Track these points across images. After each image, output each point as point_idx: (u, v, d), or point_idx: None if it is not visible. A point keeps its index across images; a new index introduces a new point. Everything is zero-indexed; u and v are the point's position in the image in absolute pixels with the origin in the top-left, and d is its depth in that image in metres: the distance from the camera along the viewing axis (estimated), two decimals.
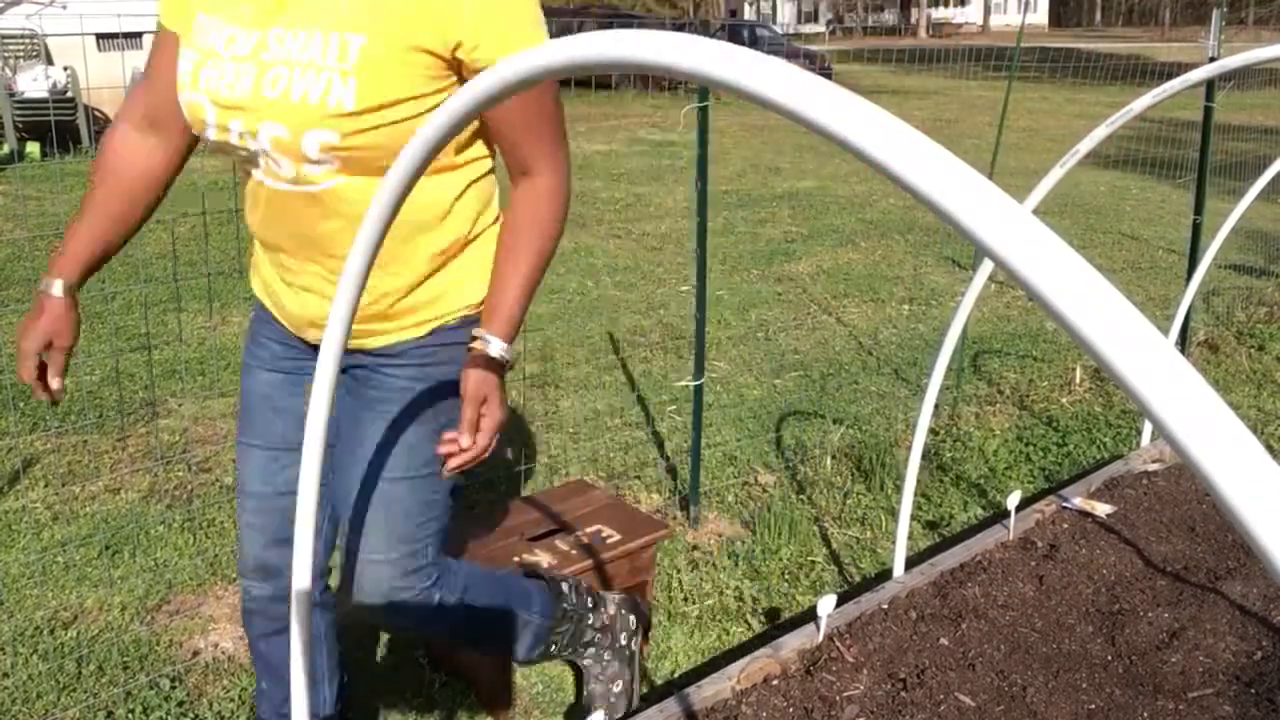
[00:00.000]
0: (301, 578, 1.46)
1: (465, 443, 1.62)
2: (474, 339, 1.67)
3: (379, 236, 1.20)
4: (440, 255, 1.69)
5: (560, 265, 6.94)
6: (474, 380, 1.64)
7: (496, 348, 1.66)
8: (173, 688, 2.64)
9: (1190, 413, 0.58)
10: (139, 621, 2.91)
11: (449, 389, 1.71)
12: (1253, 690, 2.46)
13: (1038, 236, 0.69)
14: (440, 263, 1.69)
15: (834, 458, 4.05)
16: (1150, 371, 0.60)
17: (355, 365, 1.76)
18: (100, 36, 11.87)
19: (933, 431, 4.35)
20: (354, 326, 1.51)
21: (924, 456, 4.06)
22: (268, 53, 1.51)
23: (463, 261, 1.73)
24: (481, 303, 1.73)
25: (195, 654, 2.79)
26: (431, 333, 1.72)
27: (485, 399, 1.64)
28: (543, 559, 2.57)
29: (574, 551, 2.62)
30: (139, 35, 12.31)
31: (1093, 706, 2.40)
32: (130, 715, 2.54)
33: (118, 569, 3.16)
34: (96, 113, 11.62)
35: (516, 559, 2.56)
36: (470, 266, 1.74)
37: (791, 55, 21.47)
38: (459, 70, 1.56)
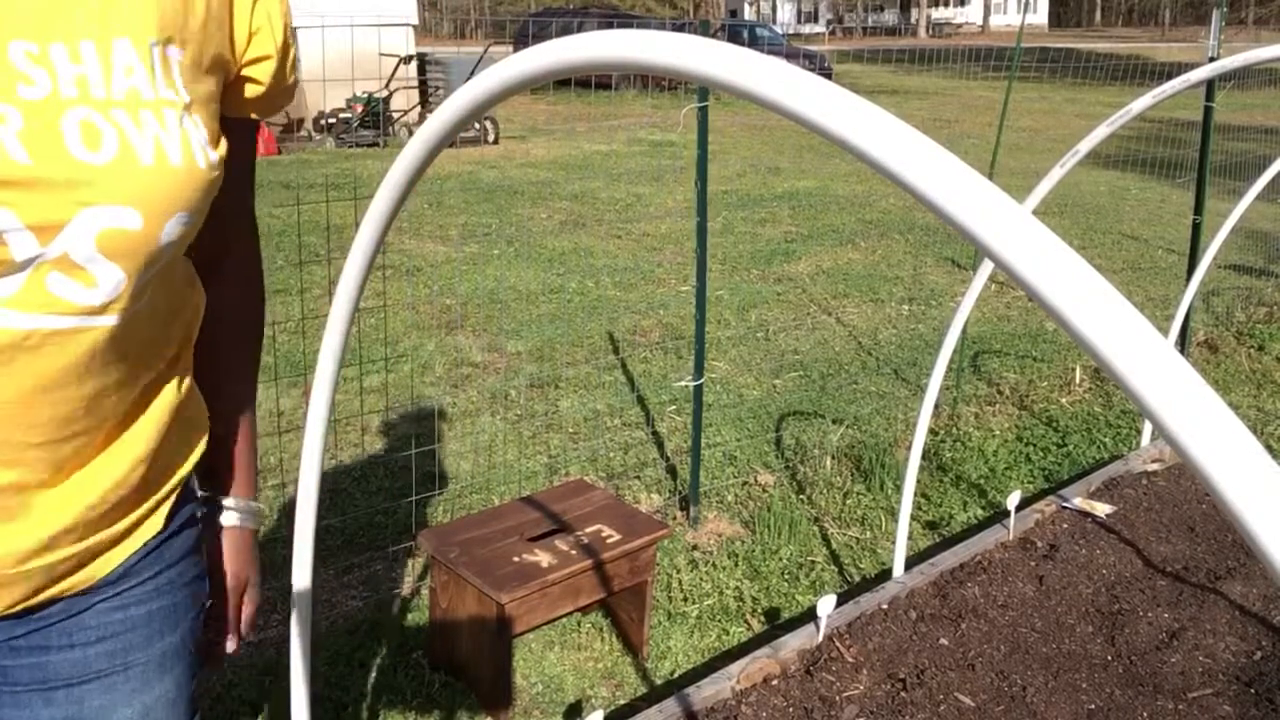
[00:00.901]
0: (301, 577, 1.46)
1: (231, 648, 1.22)
2: (216, 508, 1.17)
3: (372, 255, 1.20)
4: (181, 397, 1.07)
5: (560, 265, 6.95)
6: (232, 565, 1.19)
7: (250, 513, 1.20)
8: None
9: (1190, 413, 0.58)
10: None
11: (189, 591, 1.13)
12: (1253, 690, 2.46)
13: (1037, 237, 0.69)
14: (180, 406, 1.07)
15: (834, 458, 4.05)
16: (1150, 372, 0.60)
17: (32, 629, 1.00)
18: None
19: (932, 431, 4.35)
20: (59, 562, 0.97)
21: (924, 456, 4.06)
22: (60, 87, 0.82)
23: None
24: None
25: None
26: (171, 517, 1.09)
27: (246, 582, 1.22)
28: (542, 559, 2.57)
29: (574, 552, 2.62)
30: None
31: (1092, 706, 2.40)
32: None
33: None
34: None
35: (516, 559, 2.56)
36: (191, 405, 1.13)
37: (791, 56, 21.48)
38: (223, 91, 0.99)
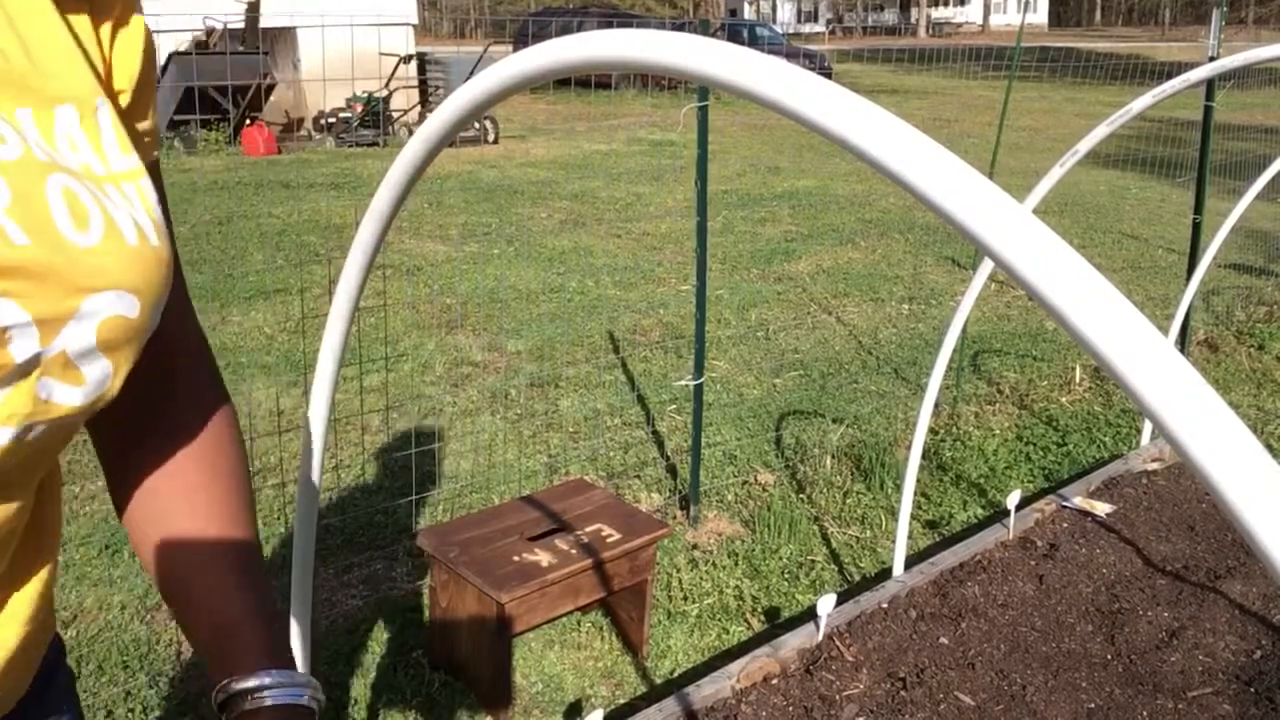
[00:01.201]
0: (302, 576, 1.46)
1: None
2: (250, 693, 0.80)
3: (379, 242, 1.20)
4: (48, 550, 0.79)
5: (560, 264, 6.95)
6: None
7: (302, 686, 0.82)
8: (172, 687, 2.64)
9: (1190, 412, 0.58)
10: (139, 620, 2.91)
11: None
12: (1252, 689, 2.46)
13: (1038, 236, 0.69)
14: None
15: (834, 457, 4.05)
16: (1150, 371, 0.60)
17: None
18: None
19: (932, 431, 4.35)
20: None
21: (924, 456, 4.06)
22: (32, 148, 0.67)
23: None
24: None
25: (194, 653, 2.79)
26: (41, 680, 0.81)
27: None
28: (542, 558, 2.57)
29: (574, 551, 2.62)
30: None
31: (1092, 706, 2.40)
32: (130, 714, 2.54)
33: (117, 568, 3.16)
34: None
35: (516, 558, 2.56)
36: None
37: (791, 55, 21.48)
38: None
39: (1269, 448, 4.27)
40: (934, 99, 19.69)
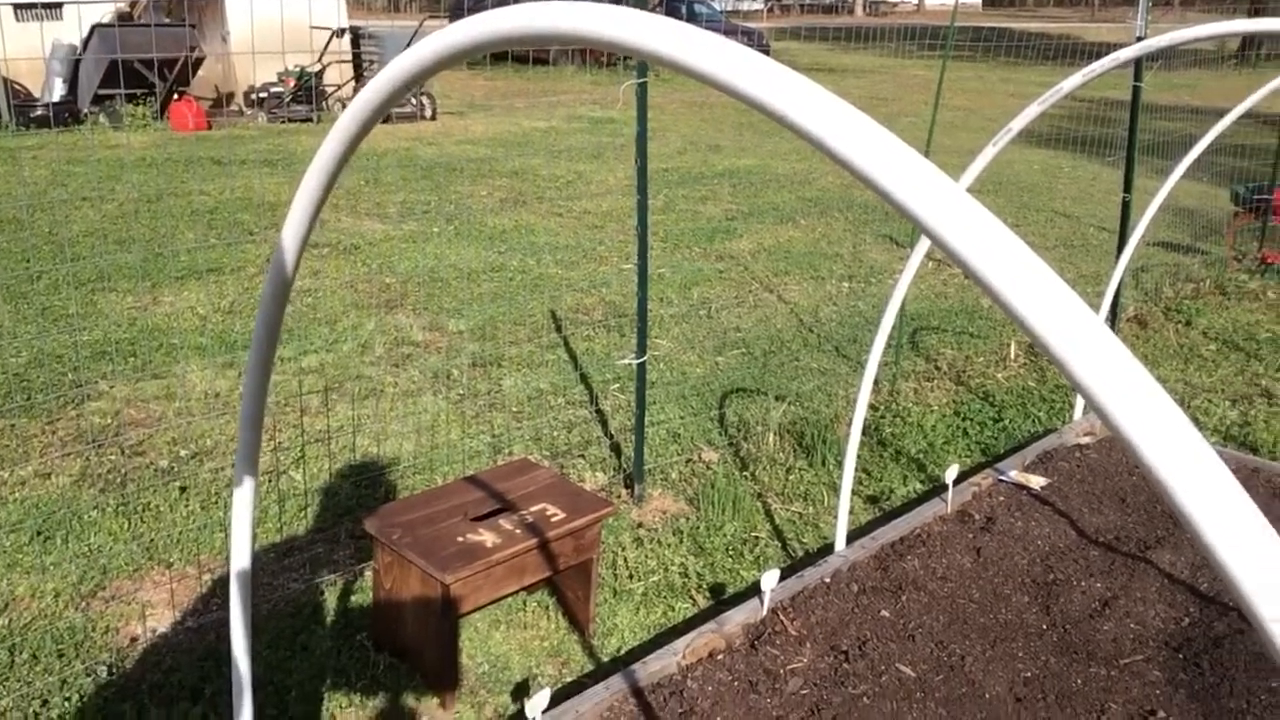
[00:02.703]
0: (240, 560, 1.43)
1: None
2: None
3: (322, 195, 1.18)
4: None
5: (501, 243, 6.89)
6: None
7: None
8: (110, 675, 2.59)
9: (1119, 388, 0.60)
10: (74, 608, 2.84)
11: None
12: (1180, 655, 2.54)
13: (973, 215, 0.69)
14: None
15: (776, 434, 4.08)
16: (1081, 347, 0.61)
17: None
18: (18, 7, 11.44)
19: (873, 407, 4.40)
20: None
21: (864, 432, 4.11)
22: None
23: None
24: None
25: (133, 640, 2.73)
26: None
27: None
28: (487, 538, 2.55)
29: (518, 531, 2.61)
30: (58, 6, 11.90)
31: (1029, 674, 2.46)
32: (67, 704, 2.48)
33: (50, 555, 3.08)
34: (16, 85, 11.22)
35: (460, 539, 2.54)
36: None
37: (729, 32, 21.45)
38: None
39: (1195, 421, 4.40)
40: (871, 78, 19.84)
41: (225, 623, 2.76)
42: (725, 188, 9.10)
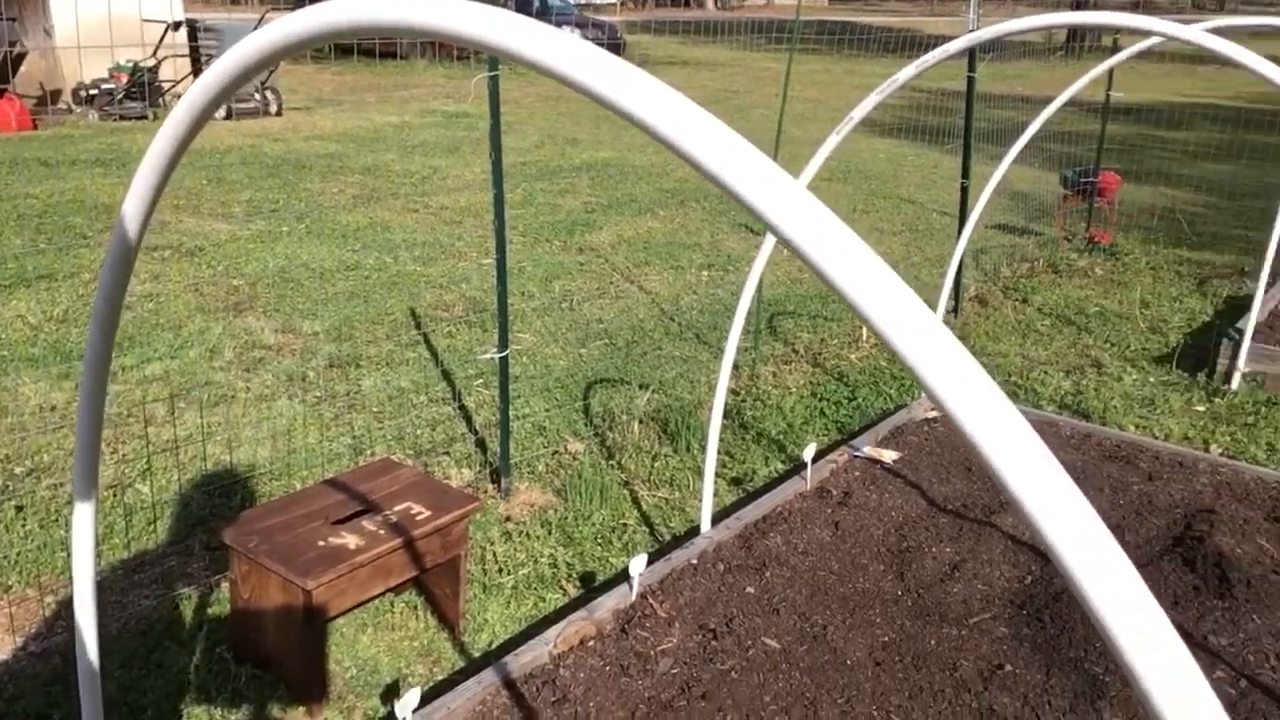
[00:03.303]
0: (83, 579, 1.37)
1: None
2: None
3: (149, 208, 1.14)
4: None
5: (355, 241, 6.73)
6: None
7: None
8: None
9: (946, 371, 0.64)
10: None
11: None
12: (1024, 612, 2.70)
13: (809, 208, 0.73)
14: None
15: (641, 422, 4.13)
16: (912, 334, 0.65)
17: None
18: None
19: (734, 392, 4.50)
20: None
21: (726, 416, 4.20)
22: None
23: None
24: None
25: None
26: None
27: None
28: (350, 541, 2.50)
29: (382, 531, 2.56)
30: None
31: (886, 639, 2.57)
32: None
33: None
34: None
35: (322, 543, 2.49)
36: None
37: (581, 25, 21.46)
38: None
39: (1033, 391, 4.66)
40: (723, 71, 20.19)
41: (71, 645, 2.62)
42: (584, 180, 9.12)
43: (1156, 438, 4.12)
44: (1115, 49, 6.47)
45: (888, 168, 10.37)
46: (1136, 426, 4.29)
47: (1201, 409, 4.51)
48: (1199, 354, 5.05)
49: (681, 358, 4.94)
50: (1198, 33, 2.41)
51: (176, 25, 11.86)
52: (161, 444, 3.75)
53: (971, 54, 5.52)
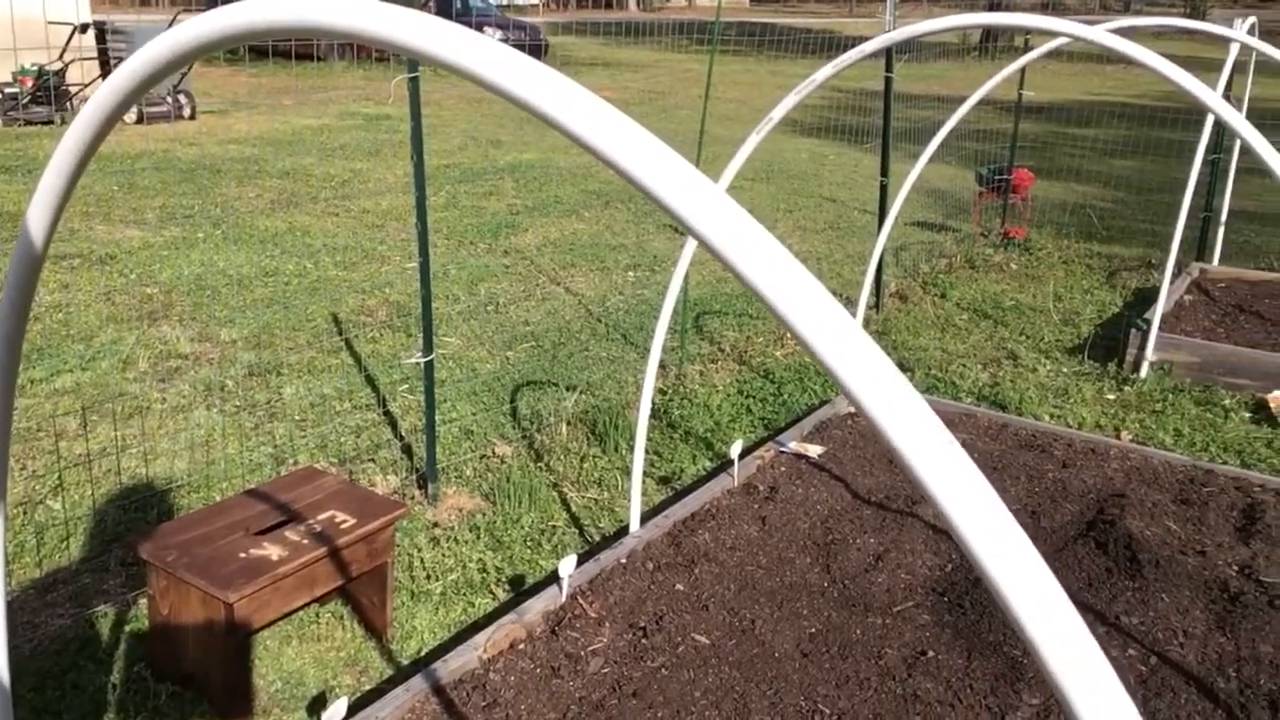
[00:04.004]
0: None
1: None
2: None
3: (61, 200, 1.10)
4: None
5: (274, 246, 6.61)
6: None
7: None
8: None
9: (864, 375, 0.66)
10: None
11: None
12: (945, 599, 2.76)
13: (730, 214, 0.74)
14: None
15: (569, 424, 4.12)
16: (823, 331, 0.67)
17: None
18: None
19: (661, 391, 4.52)
20: None
21: (654, 415, 4.22)
22: None
23: None
24: None
25: None
26: None
27: None
28: (272, 552, 2.46)
29: (305, 541, 2.52)
30: None
31: (813, 630, 2.60)
32: None
33: None
34: None
35: (243, 555, 2.44)
36: None
37: (503, 26, 21.33)
38: None
39: (953, 384, 4.76)
40: (647, 72, 20.25)
41: None
42: (508, 182, 9.07)
43: (1070, 426, 4.24)
44: (1027, 49, 6.65)
45: (810, 167, 10.51)
46: (1051, 416, 4.42)
47: (1112, 397, 4.65)
48: (1109, 344, 5.22)
49: (609, 358, 4.94)
50: (1102, 33, 2.49)
51: (84, 27, 11.51)
52: (74, 458, 3.63)
53: (889, 54, 5.63)
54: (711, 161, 7.17)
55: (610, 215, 7.99)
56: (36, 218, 1.14)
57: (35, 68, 11.04)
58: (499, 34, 19.24)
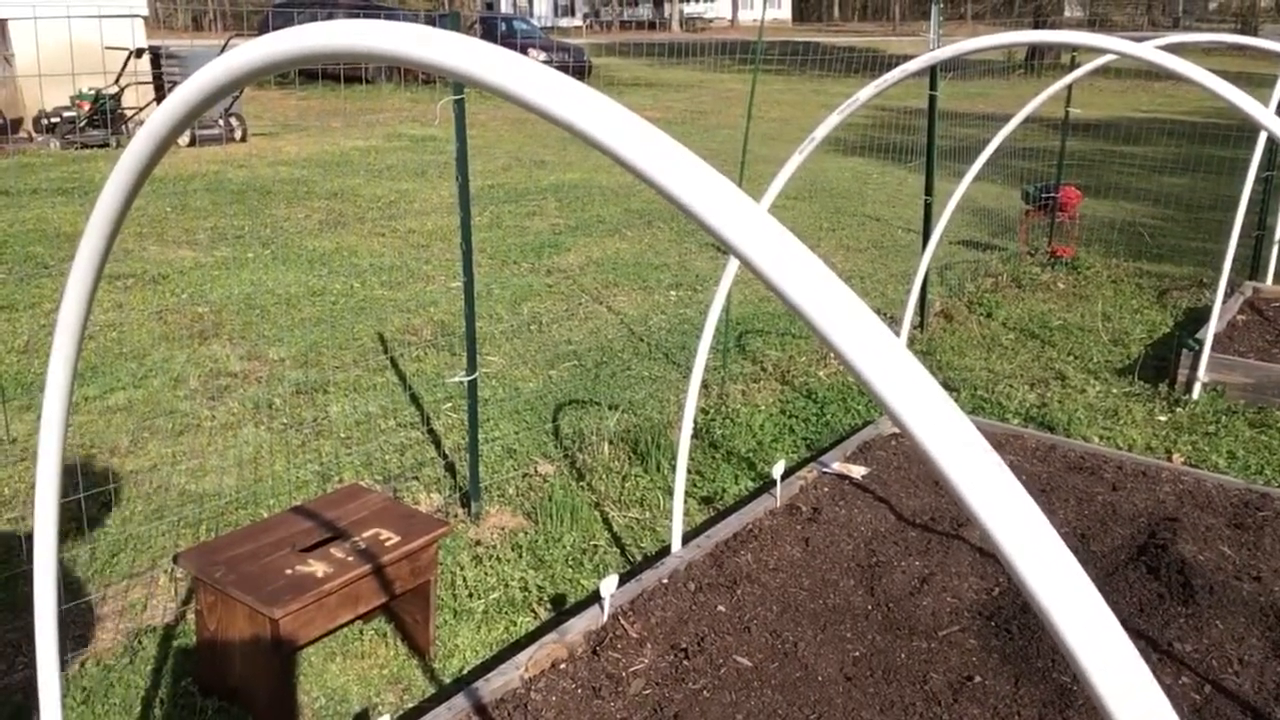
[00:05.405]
0: (45, 612, 1.35)
1: None
2: None
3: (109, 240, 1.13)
4: None
5: (323, 266, 6.70)
6: None
7: None
8: None
9: (909, 397, 0.66)
10: None
11: None
12: (992, 623, 2.72)
13: (775, 235, 0.74)
14: None
15: (611, 443, 4.13)
16: (874, 357, 0.66)
17: None
18: None
19: (703, 411, 4.51)
20: None
21: (696, 435, 4.21)
22: None
23: None
24: None
25: None
26: None
27: None
28: (317, 569, 2.48)
29: (350, 558, 2.55)
30: None
31: (857, 654, 2.57)
32: None
33: None
34: None
35: (289, 571, 2.46)
36: None
37: (548, 49, 21.55)
38: None
39: (999, 405, 4.70)
40: (690, 92, 20.33)
41: (33, 681, 2.58)
42: (551, 202, 9.14)
43: (1120, 448, 4.17)
44: (1074, 66, 6.57)
45: (853, 185, 10.47)
46: (1100, 437, 4.34)
47: (1163, 419, 4.57)
48: (1160, 365, 5.13)
49: (651, 377, 4.94)
50: (1151, 50, 2.46)
51: (139, 52, 11.80)
52: (126, 474, 3.70)
53: (933, 72, 5.60)
54: (754, 181, 7.17)
55: (653, 234, 8.01)
56: (93, 238, 1.16)
57: (92, 92, 11.33)
58: (543, 56, 19.42)
